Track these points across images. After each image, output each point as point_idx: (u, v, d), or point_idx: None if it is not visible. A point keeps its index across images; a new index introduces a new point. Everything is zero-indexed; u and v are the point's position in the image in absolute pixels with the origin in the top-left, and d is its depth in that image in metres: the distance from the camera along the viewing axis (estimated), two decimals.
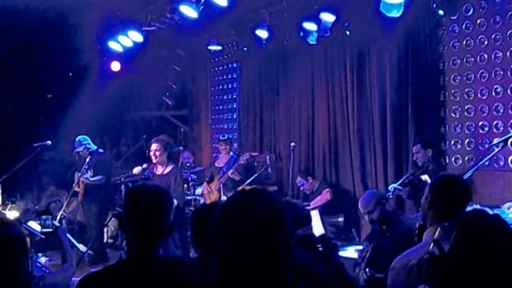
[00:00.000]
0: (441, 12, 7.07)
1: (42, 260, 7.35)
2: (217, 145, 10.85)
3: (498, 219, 2.25)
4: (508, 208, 5.88)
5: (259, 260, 1.84)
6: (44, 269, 6.43)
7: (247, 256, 1.83)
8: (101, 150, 9.42)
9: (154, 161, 7.99)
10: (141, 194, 2.83)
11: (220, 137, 10.44)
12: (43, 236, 5.31)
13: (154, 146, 7.96)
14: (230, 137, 10.81)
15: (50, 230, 4.35)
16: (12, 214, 6.25)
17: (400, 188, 7.14)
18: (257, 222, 1.84)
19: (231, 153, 9.98)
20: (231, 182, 9.47)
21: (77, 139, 9.21)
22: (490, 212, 4.95)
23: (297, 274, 2.19)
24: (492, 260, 2.09)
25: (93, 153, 9.05)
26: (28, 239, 6.03)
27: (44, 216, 4.38)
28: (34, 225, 6.18)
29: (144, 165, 8.21)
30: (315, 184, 9.21)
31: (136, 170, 8.29)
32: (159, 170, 8.04)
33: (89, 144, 9.19)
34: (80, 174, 8.91)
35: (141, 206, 2.76)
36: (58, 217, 7.08)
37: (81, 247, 6.53)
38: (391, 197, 7.03)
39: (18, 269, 3.16)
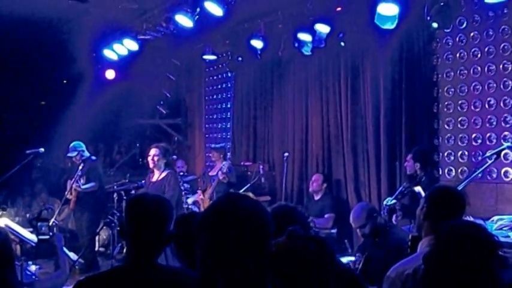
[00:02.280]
0: (435, 25, 7.09)
1: (33, 268, 7.29)
2: (210, 153, 10.85)
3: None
4: (494, 221, 5.90)
5: (240, 265, 1.81)
6: (34, 277, 6.39)
7: (228, 261, 1.81)
8: (93, 158, 9.39)
9: (151, 166, 7.99)
10: (142, 202, 2.87)
11: (212, 146, 10.43)
12: (33, 244, 5.27)
13: (153, 151, 7.97)
14: (223, 146, 10.80)
15: (47, 237, 4.32)
16: (2, 221, 6.20)
17: (394, 201, 7.14)
18: (239, 225, 1.82)
19: (224, 162, 9.97)
20: (223, 190, 9.46)
21: (71, 144, 9.19)
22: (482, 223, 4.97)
23: None
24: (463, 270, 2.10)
25: (85, 161, 9.03)
26: (18, 247, 6.01)
27: (40, 223, 4.35)
28: (25, 232, 6.14)
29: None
30: (322, 191, 9.12)
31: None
32: (155, 177, 8.03)
33: (83, 151, 9.18)
34: (72, 181, 8.88)
35: (141, 215, 2.79)
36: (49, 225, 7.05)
37: (72, 255, 6.49)
38: (386, 214, 7.02)
39: (3, 276, 3.13)
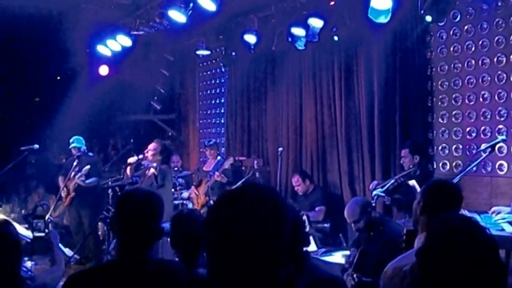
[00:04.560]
0: (429, 18, 7.09)
1: (28, 264, 7.28)
2: (204, 149, 10.86)
3: (471, 226, 2.23)
4: (493, 213, 5.89)
5: (258, 257, 1.67)
6: (30, 273, 6.37)
7: (247, 252, 1.66)
8: (90, 154, 9.42)
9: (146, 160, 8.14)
10: (132, 198, 2.88)
11: (206, 143, 10.43)
12: (29, 240, 5.26)
13: (151, 146, 8.14)
14: (216, 141, 10.77)
15: (42, 234, 4.31)
16: None
17: (383, 195, 7.13)
18: (259, 214, 1.68)
19: (219, 158, 9.97)
20: (218, 186, 9.45)
21: (74, 137, 9.22)
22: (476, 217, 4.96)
23: None
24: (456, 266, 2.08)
25: (83, 156, 9.08)
26: None
27: (36, 220, 4.34)
28: (21, 229, 6.12)
29: (140, 156, 8.24)
30: (310, 187, 9.12)
31: (132, 159, 8.32)
32: (150, 172, 8.13)
33: (83, 145, 9.26)
34: (66, 178, 8.89)
35: (131, 210, 2.80)
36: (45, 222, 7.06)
37: (68, 251, 6.49)
38: (374, 204, 7.03)
39: (14, 269, 3.15)
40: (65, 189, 9.05)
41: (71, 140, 9.23)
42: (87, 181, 8.98)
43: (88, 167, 9.00)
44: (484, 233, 2.17)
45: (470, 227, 2.19)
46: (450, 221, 2.26)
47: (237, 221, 1.67)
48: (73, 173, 9.11)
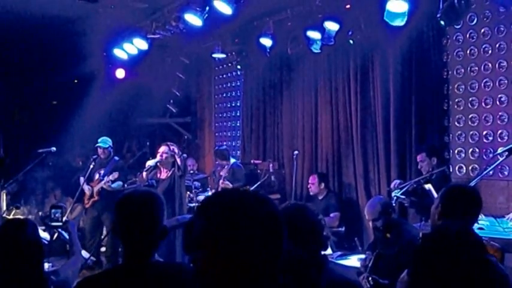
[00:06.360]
0: (443, 22, 7.07)
1: (46, 266, 7.35)
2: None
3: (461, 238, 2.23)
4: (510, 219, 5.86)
5: (257, 263, 1.63)
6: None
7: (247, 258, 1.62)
8: (116, 158, 9.52)
9: (158, 162, 8.20)
10: (131, 201, 2.86)
11: (214, 149, 10.40)
12: (46, 242, 5.31)
13: (163, 148, 8.21)
14: (221, 147, 10.60)
15: (60, 223, 4.34)
16: None
17: (403, 196, 7.09)
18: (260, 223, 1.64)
19: (233, 160, 9.96)
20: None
21: (103, 138, 9.33)
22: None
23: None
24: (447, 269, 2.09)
25: (106, 159, 9.22)
26: None
27: (53, 210, 4.37)
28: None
29: (158, 158, 8.30)
30: (323, 191, 9.10)
31: (151, 162, 8.40)
32: (163, 174, 8.19)
33: (111, 148, 9.37)
34: (97, 178, 9.02)
35: (131, 213, 2.79)
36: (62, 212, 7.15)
37: (84, 253, 6.53)
38: (394, 204, 6.99)
39: (37, 267, 3.20)
40: (89, 190, 9.15)
41: (99, 140, 9.35)
42: (113, 185, 9.07)
43: (116, 174, 9.09)
44: (471, 243, 2.18)
45: (460, 238, 2.19)
46: (445, 230, 2.26)
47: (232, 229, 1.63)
48: (97, 175, 9.20)
